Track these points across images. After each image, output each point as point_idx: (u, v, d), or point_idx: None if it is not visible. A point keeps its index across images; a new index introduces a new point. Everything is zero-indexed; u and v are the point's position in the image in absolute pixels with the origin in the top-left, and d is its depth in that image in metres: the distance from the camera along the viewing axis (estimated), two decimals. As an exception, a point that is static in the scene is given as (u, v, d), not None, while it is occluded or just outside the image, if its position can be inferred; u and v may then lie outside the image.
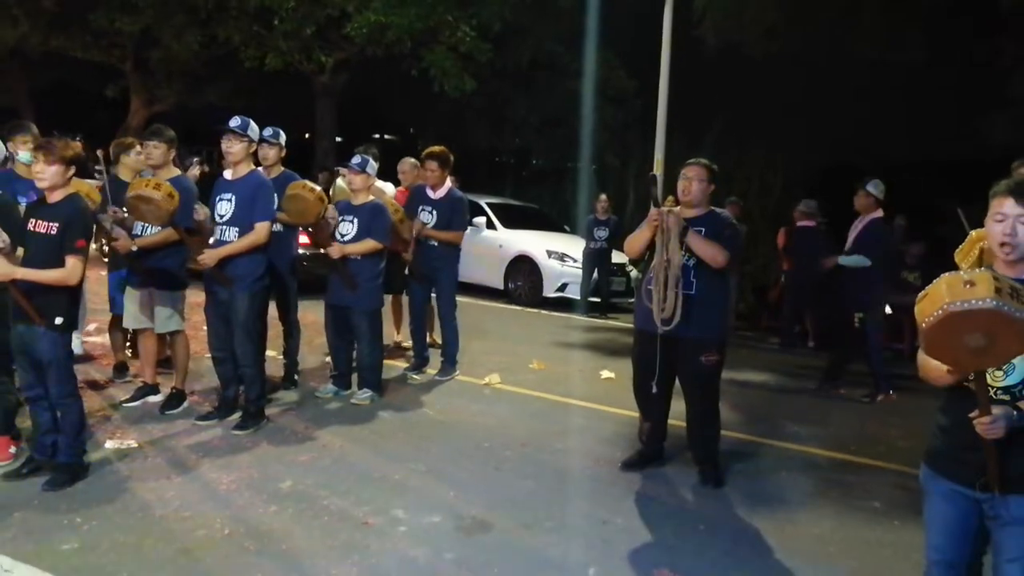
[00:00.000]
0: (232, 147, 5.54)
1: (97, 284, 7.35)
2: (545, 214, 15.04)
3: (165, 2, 15.88)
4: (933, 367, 2.76)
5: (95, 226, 5.22)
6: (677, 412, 5.28)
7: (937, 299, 2.45)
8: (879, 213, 7.76)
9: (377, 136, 26.29)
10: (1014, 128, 12.52)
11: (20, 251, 4.43)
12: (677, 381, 5.15)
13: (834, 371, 7.97)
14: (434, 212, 7.04)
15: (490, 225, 13.14)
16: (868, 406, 7.53)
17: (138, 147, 6.14)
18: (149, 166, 5.75)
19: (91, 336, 7.61)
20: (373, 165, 6.37)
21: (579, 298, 12.16)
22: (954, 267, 3.35)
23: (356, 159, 6.36)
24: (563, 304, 12.27)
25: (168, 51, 16.73)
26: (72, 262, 4.36)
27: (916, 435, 6.07)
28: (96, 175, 6.55)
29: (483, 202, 13.44)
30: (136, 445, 5.15)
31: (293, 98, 18.96)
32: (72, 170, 4.48)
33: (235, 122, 5.55)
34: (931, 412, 3.00)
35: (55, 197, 4.46)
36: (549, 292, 12.41)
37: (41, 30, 16.71)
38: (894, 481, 5.43)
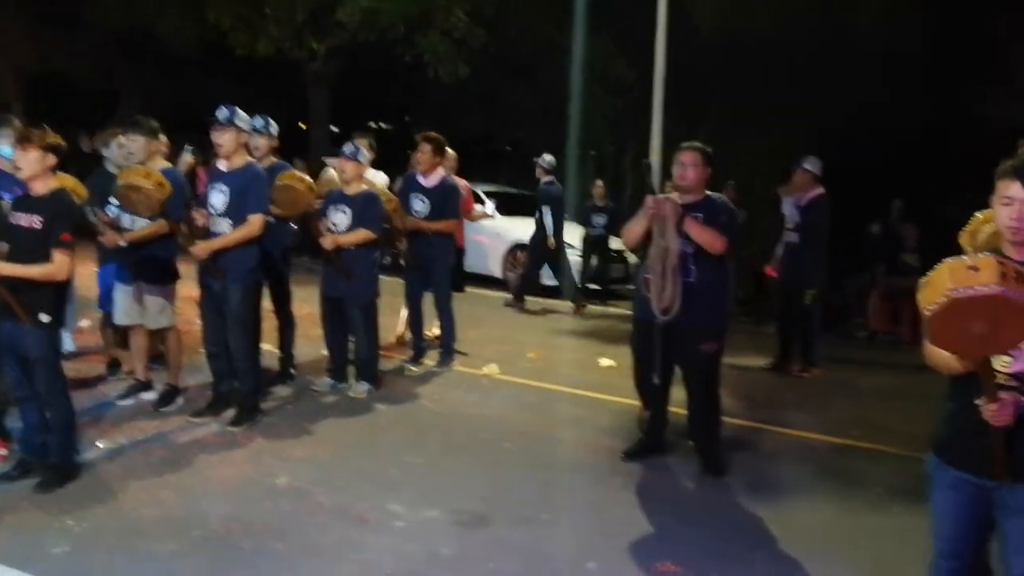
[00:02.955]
0: (221, 138, 5.44)
1: (89, 279, 7.26)
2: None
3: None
4: (941, 355, 2.69)
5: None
6: (678, 400, 5.22)
7: (939, 286, 2.37)
8: (820, 190, 7.76)
9: (372, 124, 26.12)
10: (1015, 108, 12.43)
11: (4, 247, 4.35)
12: (677, 369, 5.09)
13: (807, 351, 7.93)
14: (426, 200, 6.95)
15: (486, 213, 13.02)
16: (866, 393, 7.48)
17: (122, 139, 6.04)
18: (133, 161, 5.65)
19: (83, 332, 7.52)
20: (365, 154, 6.28)
21: (578, 285, 12.07)
22: (956, 249, 3.26)
23: (348, 147, 6.26)
24: (562, 292, 12.17)
25: (159, 39, 16.58)
26: (59, 256, 4.26)
27: (918, 420, 5.90)
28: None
29: (480, 190, 13.31)
30: (129, 443, 5.08)
31: (287, 87, 18.80)
32: (51, 158, 4.35)
33: (221, 113, 5.43)
34: (933, 397, 2.93)
35: (39, 190, 4.36)
36: (548, 280, 12.32)
37: (33, 33, 16.66)
38: (896, 467, 5.36)
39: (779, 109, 14.37)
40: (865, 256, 11.23)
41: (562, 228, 11.08)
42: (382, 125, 26.55)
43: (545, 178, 10.31)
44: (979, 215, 3.49)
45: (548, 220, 10.76)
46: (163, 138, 5.83)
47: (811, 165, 7.76)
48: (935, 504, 2.90)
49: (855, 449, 5.79)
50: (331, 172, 7.11)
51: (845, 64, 14.01)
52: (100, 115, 18.46)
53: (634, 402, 5.51)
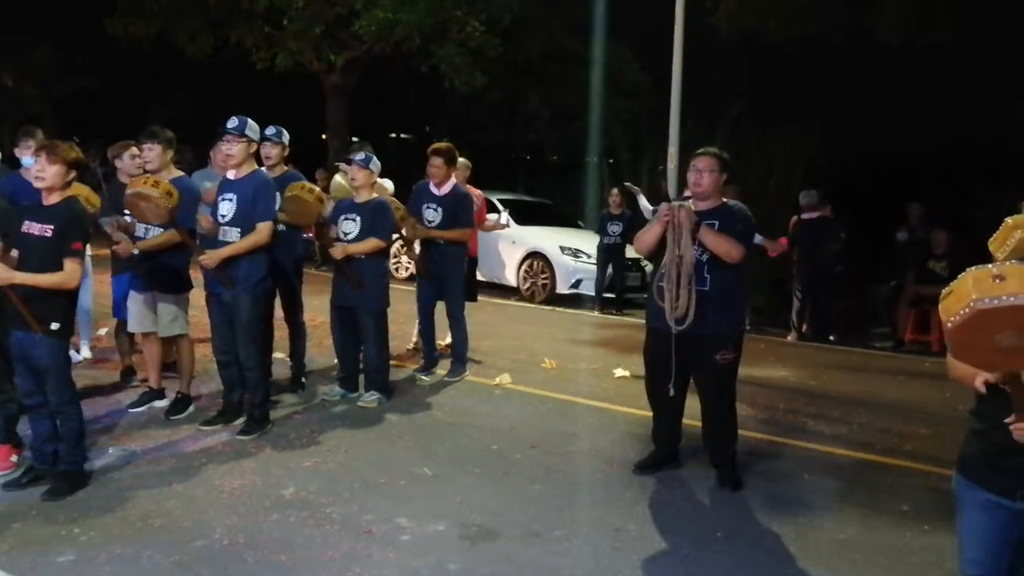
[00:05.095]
0: (232, 148, 5.40)
1: (106, 287, 7.27)
2: (558, 210, 14.85)
3: (178, 6, 15.87)
4: (966, 369, 2.58)
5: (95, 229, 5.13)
6: (692, 412, 5.10)
7: (963, 295, 2.26)
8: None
9: (393, 135, 26.18)
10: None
11: (15, 253, 4.34)
12: (692, 380, 4.98)
13: None
14: (439, 209, 6.89)
15: (503, 222, 12.95)
16: (892, 404, 7.36)
17: (135, 149, 6.03)
18: (147, 170, 5.63)
19: (101, 341, 7.53)
20: (376, 161, 6.23)
21: (593, 294, 11.99)
22: (986, 256, 3.14)
23: (360, 155, 6.20)
24: (577, 301, 12.10)
25: (182, 55, 16.77)
26: (70, 265, 4.27)
27: (945, 435, 5.90)
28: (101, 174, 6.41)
29: (496, 198, 13.26)
30: (140, 451, 5.06)
31: (308, 99, 18.91)
32: (73, 173, 4.40)
33: (232, 123, 5.39)
34: (962, 410, 2.82)
35: (52, 199, 4.38)
36: (563, 288, 12.25)
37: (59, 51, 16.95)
38: (923, 483, 5.21)
39: (800, 111, 14.18)
40: (892, 263, 11.12)
41: None
42: (402, 136, 26.61)
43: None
44: (1009, 220, 3.34)
45: None
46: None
47: None
48: (962, 526, 2.78)
49: (879, 464, 5.62)
50: (339, 179, 7.04)
51: (868, 65, 13.81)
52: (129, 129, 18.68)
53: (647, 413, 5.39)
